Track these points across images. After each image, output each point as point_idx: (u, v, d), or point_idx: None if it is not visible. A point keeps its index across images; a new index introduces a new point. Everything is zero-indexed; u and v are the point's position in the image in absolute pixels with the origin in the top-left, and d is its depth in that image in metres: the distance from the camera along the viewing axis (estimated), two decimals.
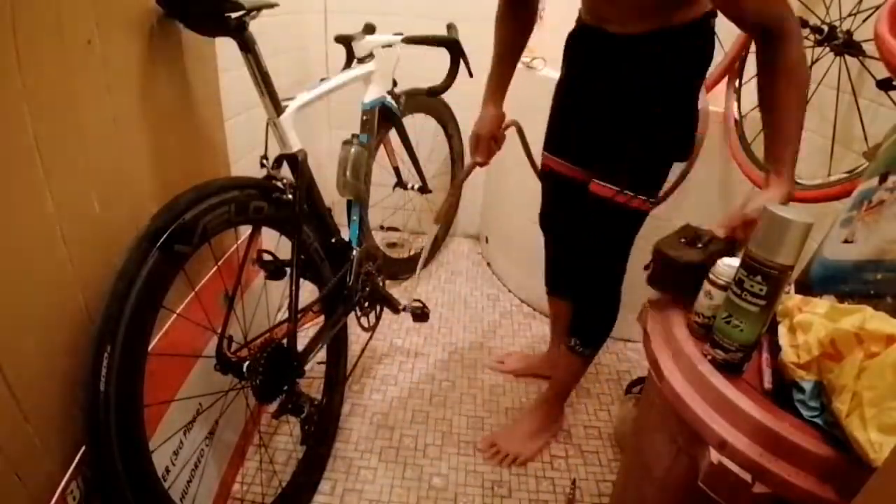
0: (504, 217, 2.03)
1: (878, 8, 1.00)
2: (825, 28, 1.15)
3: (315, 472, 1.22)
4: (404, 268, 1.99)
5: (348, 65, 1.44)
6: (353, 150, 1.34)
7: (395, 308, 1.49)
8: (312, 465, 1.21)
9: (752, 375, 0.67)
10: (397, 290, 1.92)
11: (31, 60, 0.58)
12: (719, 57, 1.30)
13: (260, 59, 0.95)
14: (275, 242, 1.13)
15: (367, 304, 1.38)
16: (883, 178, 0.69)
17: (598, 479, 1.28)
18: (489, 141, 1.28)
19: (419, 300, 1.54)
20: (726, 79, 1.43)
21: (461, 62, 1.62)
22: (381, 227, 2.23)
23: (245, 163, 1.23)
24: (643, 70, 1.02)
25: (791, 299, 0.68)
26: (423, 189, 1.87)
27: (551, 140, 1.28)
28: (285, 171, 1.04)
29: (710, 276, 0.72)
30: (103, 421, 0.66)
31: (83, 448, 0.67)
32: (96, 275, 0.70)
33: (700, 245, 0.81)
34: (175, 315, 0.85)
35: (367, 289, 1.35)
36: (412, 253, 2.12)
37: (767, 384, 0.65)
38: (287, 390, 0.98)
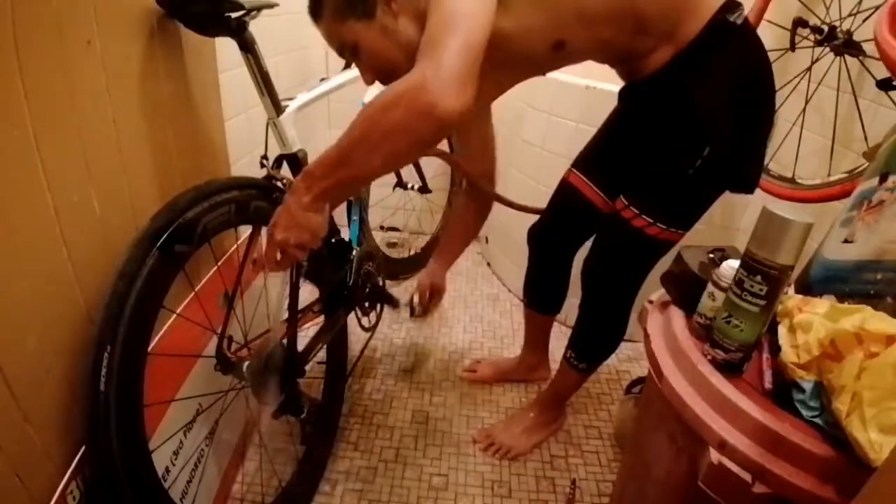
0: (504, 217, 2.03)
1: (878, 8, 1.00)
2: (825, 28, 1.15)
3: (315, 472, 1.22)
4: (404, 268, 2.00)
5: (348, 65, 1.44)
6: None
7: (394, 304, 1.48)
8: (312, 465, 1.21)
9: (753, 375, 0.67)
10: (398, 290, 1.92)
11: (31, 60, 0.58)
12: None
13: (260, 59, 0.95)
14: None
15: (367, 303, 1.38)
16: (883, 178, 0.69)
17: (598, 479, 1.28)
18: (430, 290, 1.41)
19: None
20: None
21: None
22: (382, 228, 2.23)
23: (245, 163, 1.23)
24: (674, 107, 0.95)
25: (791, 299, 0.68)
26: (424, 189, 1.87)
27: (586, 159, 1.22)
28: (285, 171, 1.04)
29: (714, 277, 0.72)
30: (103, 421, 0.66)
31: (83, 448, 0.67)
32: (96, 275, 0.70)
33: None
34: (175, 315, 0.85)
35: (368, 289, 1.35)
36: (412, 253, 2.12)
37: (767, 384, 0.65)
38: (287, 390, 0.98)
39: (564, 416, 1.44)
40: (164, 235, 0.73)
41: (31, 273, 0.61)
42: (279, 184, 0.99)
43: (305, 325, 1.44)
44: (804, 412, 0.59)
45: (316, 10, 0.88)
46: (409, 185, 1.86)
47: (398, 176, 1.84)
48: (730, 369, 0.67)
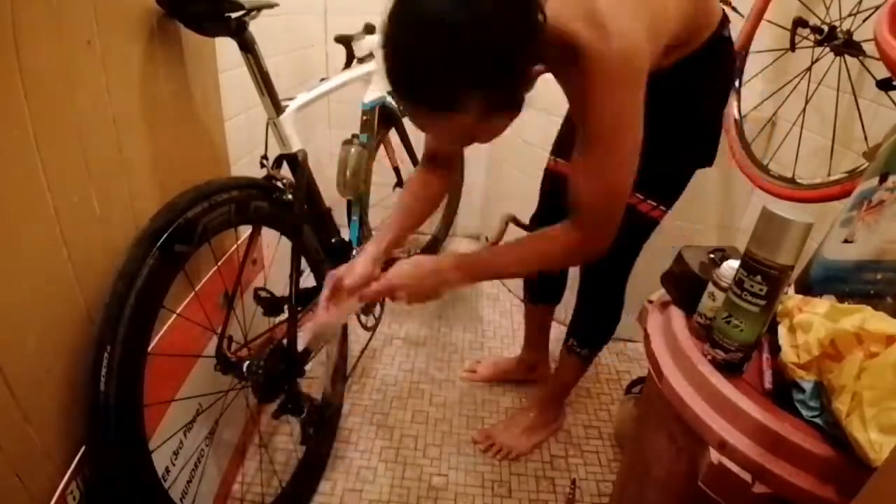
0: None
1: (878, 8, 1.00)
2: (825, 28, 1.15)
3: (315, 472, 1.22)
4: None
5: (348, 65, 1.45)
6: (352, 150, 1.34)
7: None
8: (312, 465, 1.21)
9: (753, 375, 0.67)
10: None
11: (31, 60, 0.58)
12: None
13: (260, 59, 0.95)
14: (275, 242, 1.13)
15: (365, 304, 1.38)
16: (883, 178, 0.69)
17: (598, 479, 1.28)
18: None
19: None
20: None
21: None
22: None
23: (245, 163, 1.23)
24: (670, 98, 0.95)
25: (791, 299, 0.68)
26: None
27: (567, 146, 1.20)
28: (285, 171, 1.04)
29: (715, 277, 0.72)
30: (103, 421, 0.66)
31: (83, 448, 0.67)
32: (96, 275, 0.70)
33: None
34: (175, 315, 0.85)
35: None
36: (412, 253, 2.11)
37: (767, 384, 0.65)
38: (287, 390, 0.98)
39: (564, 415, 1.44)
40: (165, 235, 0.73)
41: (31, 273, 0.61)
42: (279, 184, 0.99)
43: (305, 324, 1.45)
44: (804, 412, 0.59)
45: (442, 103, 0.67)
46: None
47: (398, 176, 1.84)
48: (730, 369, 0.67)
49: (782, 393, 0.63)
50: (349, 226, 1.39)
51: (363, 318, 1.37)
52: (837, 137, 1.18)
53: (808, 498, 0.55)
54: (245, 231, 1.04)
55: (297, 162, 1.04)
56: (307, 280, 1.17)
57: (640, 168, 1.00)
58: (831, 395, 0.56)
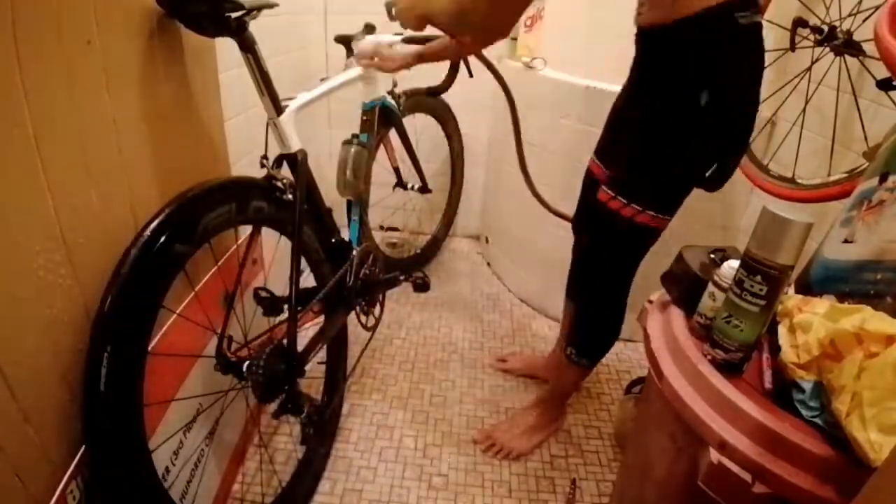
0: (504, 217, 2.03)
1: (878, 8, 1.00)
2: (825, 28, 1.15)
3: (315, 471, 1.22)
4: (404, 267, 1.99)
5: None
6: (352, 149, 1.34)
7: (395, 283, 1.46)
8: (312, 465, 1.21)
9: (752, 375, 0.67)
10: (398, 290, 1.92)
11: (31, 60, 0.58)
12: None
13: (260, 59, 0.95)
14: (275, 242, 1.13)
15: (366, 303, 1.38)
16: (883, 178, 0.69)
17: (598, 479, 1.28)
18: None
19: (421, 271, 1.52)
20: None
21: (461, 62, 1.62)
22: (381, 228, 2.23)
23: (245, 163, 1.23)
24: (650, 75, 0.96)
25: (791, 299, 0.68)
26: (424, 189, 1.87)
27: (599, 143, 1.22)
28: (285, 171, 1.04)
29: (715, 277, 0.72)
30: (103, 420, 0.66)
31: (83, 448, 0.67)
32: (96, 274, 0.70)
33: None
34: (175, 315, 0.85)
35: (368, 293, 1.34)
36: (412, 253, 2.12)
37: (767, 384, 0.65)
38: (287, 390, 0.98)
39: (564, 415, 1.44)
40: (165, 234, 0.73)
41: (32, 273, 0.61)
42: (279, 184, 0.99)
43: (305, 324, 1.45)
44: (804, 412, 0.59)
45: None
46: (409, 185, 1.86)
47: (398, 176, 1.84)
48: (730, 369, 0.67)
49: (782, 393, 0.63)
50: (349, 226, 1.39)
51: (363, 317, 1.37)
52: (837, 137, 1.18)
53: (808, 498, 0.55)
54: (245, 231, 1.04)
55: (297, 162, 1.04)
56: (307, 280, 1.17)
57: (627, 169, 1.01)
58: (831, 395, 0.56)
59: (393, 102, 1.58)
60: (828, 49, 1.16)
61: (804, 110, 1.28)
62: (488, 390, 1.53)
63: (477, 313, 1.88)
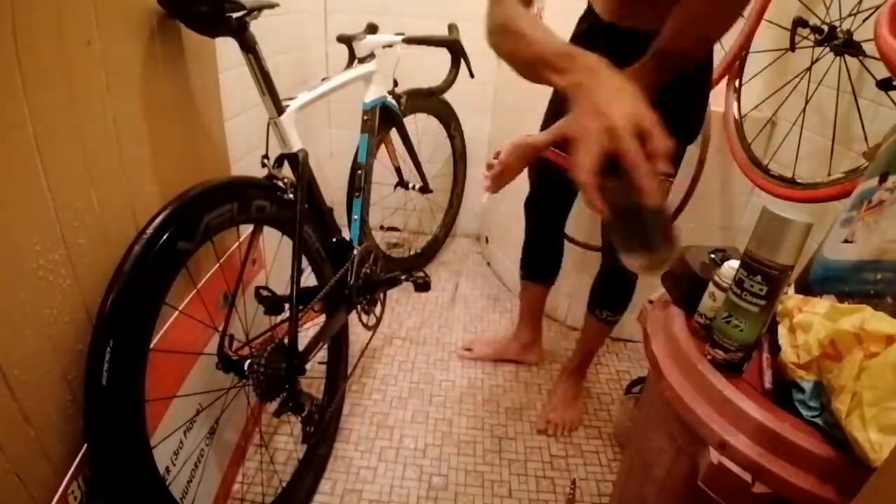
0: (504, 217, 2.03)
1: (878, 8, 1.00)
2: (825, 28, 1.15)
3: (315, 471, 1.22)
4: (404, 267, 2.00)
5: (350, 65, 1.44)
6: None
7: (396, 282, 1.47)
8: (312, 465, 1.21)
9: (752, 375, 0.67)
10: (399, 290, 1.92)
11: (31, 60, 0.58)
12: (719, 57, 1.30)
13: (261, 59, 0.95)
14: (276, 241, 1.13)
15: (367, 302, 1.38)
16: (883, 178, 0.69)
17: (598, 479, 1.28)
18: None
19: (422, 271, 1.53)
20: (726, 79, 1.43)
21: (462, 62, 1.62)
22: (382, 227, 2.23)
23: (245, 163, 1.23)
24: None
25: (791, 299, 0.68)
26: (424, 189, 1.87)
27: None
28: (286, 170, 1.04)
29: (715, 278, 0.72)
30: (105, 417, 0.66)
31: (84, 448, 0.67)
32: (96, 274, 0.70)
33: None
34: (177, 312, 0.85)
35: (369, 293, 1.34)
36: (412, 253, 2.12)
37: (767, 384, 0.65)
38: (288, 388, 0.99)
39: (586, 378, 1.55)
40: (168, 232, 0.73)
41: (31, 273, 0.61)
42: (280, 183, 0.99)
43: (306, 324, 1.45)
44: (804, 412, 0.59)
45: None
46: (410, 185, 1.86)
47: (399, 175, 1.84)
48: (730, 369, 0.67)
49: (782, 393, 0.63)
50: (349, 225, 1.39)
51: (364, 317, 1.37)
52: (837, 137, 1.18)
53: (808, 498, 0.55)
54: (246, 230, 1.04)
55: (297, 161, 1.04)
56: (308, 279, 1.17)
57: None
58: (831, 395, 0.56)
59: (393, 102, 1.58)
60: (828, 49, 1.16)
61: (804, 110, 1.28)
62: (488, 390, 1.53)
63: (477, 313, 1.89)
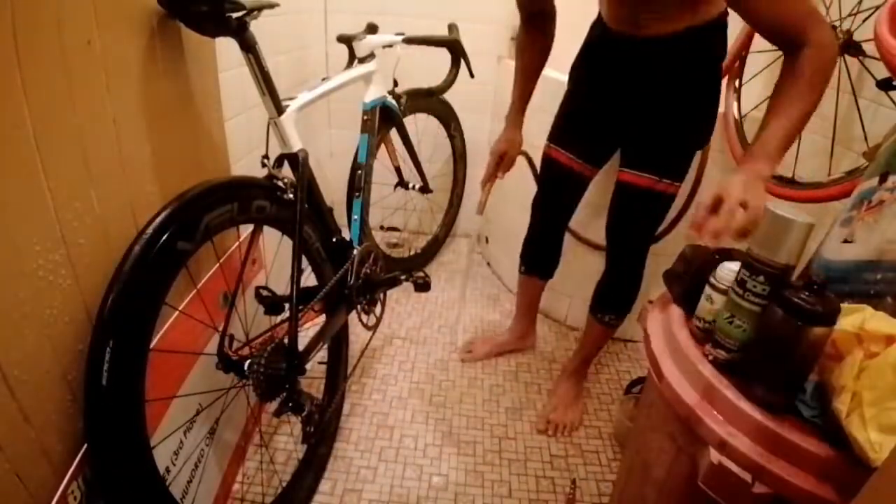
0: (504, 217, 2.03)
1: (878, 8, 1.00)
2: None
3: (315, 471, 1.22)
4: (404, 267, 2.00)
5: (350, 65, 1.44)
6: None
7: (396, 282, 1.47)
8: (312, 465, 1.21)
9: None
10: (399, 290, 1.92)
11: (31, 60, 0.58)
12: None
13: (261, 59, 0.95)
14: (276, 241, 1.13)
15: (367, 302, 1.38)
16: (883, 178, 0.69)
17: (598, 479, 1.28)
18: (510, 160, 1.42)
19: (422, 271, 1.53)
20: (726, 78, 1.43)
21: (462, 62, 1.62)
22: (382, 227, 2.23)
23: (245, 163, 1.23)
24: (674, 69, 1.09)
25: None
26: (424, 189, 1.87)
27: (560, 134, 1.35)
28: (286, 170, 1.04)
29: (712, 280, 0.72)
30: (105, 417, 0.66)
31: (84, 448, 0.67)
32: (96, 274, 0.70)
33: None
34: (177, 312, 0.85)
35: (369, 293, 1.34)
36: (412, 253, 2.12)
37: None
38: (288, 388, 0.99)
39: (587, 377, 1.56)
40: (168, 232, 0.73)
41: (31, 273, 0.61)
42: (280, 183, 0.99)
43: (306, 324, 1.45)
44: (804, 412, 0.59)
45: None
46: (410, 185, 1.86)
47: (399, 175, 1.84)
48: (731, 369, 0.67)
49: None
50: (349, 225, 1.39)
51: (364, 317, 1.37)
52: (837, 137, 1.18)
53: (808, 498, 0.55)
54: (246, 230, 1.04)
55: (297, 161, 1.04)
56: (308, 279, 1.17)
57: (655, 155, 1.17)
58: (831, 395, 0.56)
59: (393, 102, 1.58)
60: None
61: None
62: (488, 390, 1.53)
63: (477, 313, 1.88)
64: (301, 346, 1.01)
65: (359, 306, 1.31)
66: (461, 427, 1.40)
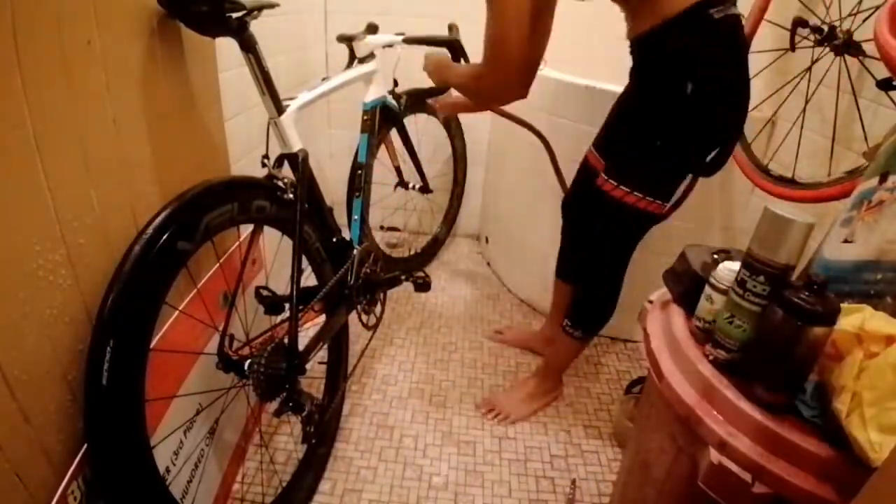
0: (504, 217, 2.03)
1: (878, 8, 1.00)
2: (825, 28, 1.15)
3: (315, 471, 1.22)
4: (404, 267, 2.00)
5: (350, 64, 1.44)
6: None
7: (396, 282, 1.47)
8: (312, 465, 1.21)
9: None
10: (399, 290, 1.92)
11: (31, 60, 0.58)
12: None
13: (261, 59, 0.95)
14: (276, 241, 1.13)
15: (367, 302, 1.38)
16: (883, 178, 0.69)
17: (598, 479, 1.28)
18: None
19: (422, 271, 1.53)
20: None
21: (462, 62, 1.62)
22: (382, 227, 2.23)
23: (245, 163, 1.23)
24: (644, 75, 1.06)
25: None
26: (424, 189, 1.87)
27: (597, 135, 1.32)
28: (286, 170, 1.04)
29: (711, 280, 0.72)
30: (105, 417, 0.66)
31: (84, 448, 0.67)
32: (96, 274, 0.70)
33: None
34: (178, 312, 0.85)
35: (369, 292, 1.34)
36: (412, 253, 2.12)
37: None
38: (288, 388, 0.98)
39: (561, 386, 1.51)
40: (168, 232, 0.73)
41: (31, 273, 0.61)
42: (280, 183, 0.99)
43: (306, 324, 1.45)
44: (804, 412, 0.59)
45: None
46: (410, 185, 1.86)
47: (399, 175, 1.84)
48: (731, 369, 0.67)
49: None
50: (349, 225, 1.39)
51: (364, 317, 1.37)
52: (837, 137, 1.18)
53: (808, 498, 0.55)
54: (246, 230, 1.04)
55: (297, 161, 1.04)
56: (308, 279, 1.17)
57: (627, 161, 1.11)
58: (831, 395, 0.56)
59: (394, 102, 1.58)
60: (828, 49, 1.16)
61: (804, 110, 1.28)
62: (488, 390, 1.53)
63: (477, 313, 1.88)
64: (301, 346, 1.01)
65: (359, 306, 1.31)
66: (461, 427, 1.40)
